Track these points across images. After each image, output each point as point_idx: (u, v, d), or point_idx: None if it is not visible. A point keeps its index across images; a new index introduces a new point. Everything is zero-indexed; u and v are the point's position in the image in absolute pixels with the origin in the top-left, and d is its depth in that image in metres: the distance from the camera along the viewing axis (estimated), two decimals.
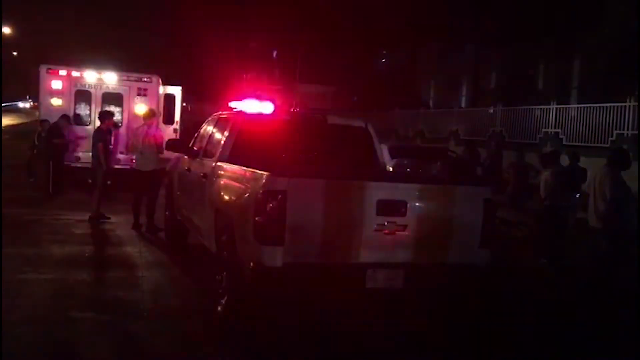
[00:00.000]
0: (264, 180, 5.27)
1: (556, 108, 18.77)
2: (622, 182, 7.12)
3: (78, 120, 15.13)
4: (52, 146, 13.55)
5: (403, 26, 27.27)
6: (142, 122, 10.69)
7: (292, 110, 7.78)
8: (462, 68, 28.66)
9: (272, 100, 7.28)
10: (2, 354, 4.80)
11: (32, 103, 62.95)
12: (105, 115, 11.29)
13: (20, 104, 69.76)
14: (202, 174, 7.25)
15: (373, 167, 7.36)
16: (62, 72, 15.10)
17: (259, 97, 7.24)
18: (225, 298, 5.83)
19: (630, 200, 7.29)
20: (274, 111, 7.29)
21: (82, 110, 15.28)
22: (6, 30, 43.61)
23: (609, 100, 16.57)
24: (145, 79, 15.50)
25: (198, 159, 7.83)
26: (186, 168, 8.25)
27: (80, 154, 14.46)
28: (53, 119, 14.16)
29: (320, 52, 32.96)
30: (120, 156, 14.49)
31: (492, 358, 5.69)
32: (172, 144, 9.05)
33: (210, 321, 5.91)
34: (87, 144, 13.11)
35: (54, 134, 13.71)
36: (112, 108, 14.34)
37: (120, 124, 15.01)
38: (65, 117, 14.11)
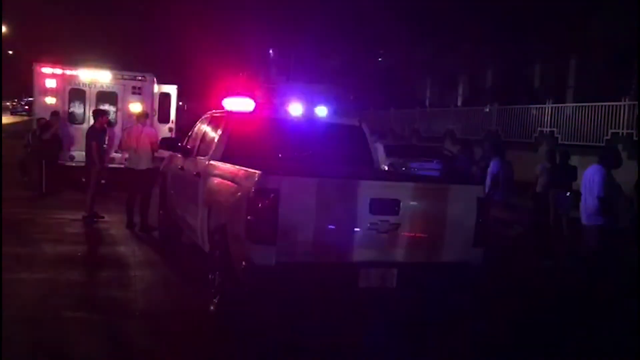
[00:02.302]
0: (256, 179, 5.24)
1: (552, 107, 18.79)
2: (612, 180, 7.16)
3: (72, 118, 15.09)
4: (44, 144, 13.48)
5: (399, 24, 27.22)
6: (135, 121, 10.75)
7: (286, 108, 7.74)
8: (458, 67, 28.63)
9: (253, 98, 7.29)
10: (2, 354, 4.76)
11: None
12: (98, 114, 11.26)
13: None
14: (195, 173, 7.22)
15: (367, 165, 7.34)
16: (57, 71, 15.04)
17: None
18: (218, 297, 5.81)
19: (620, 198, 7.33)
20: (257, 108, 7.29)
21: (77, 108, 15.23)
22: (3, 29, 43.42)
23: (605, 99, 16.58)
24: (139, 78, 15.47)
25: (191, 158, 7.79)
26: (180, 167, 8.22)
27: (74, 153, 14.41)
28: (48, 117, 14.12)
29: (316, 51, 32.92)
30: (115, 155, 14.44)
31: (487, 357, 5.67)
32: (166, 143, 9.04)
33: (203, 320, 5.88)
34: (81, 142, 13.06)
35: (45, 131, 13.65)
36: (106, 107, 14.36)
37: (114, 123, 14.95)
38: (55, 113, 14.06)
